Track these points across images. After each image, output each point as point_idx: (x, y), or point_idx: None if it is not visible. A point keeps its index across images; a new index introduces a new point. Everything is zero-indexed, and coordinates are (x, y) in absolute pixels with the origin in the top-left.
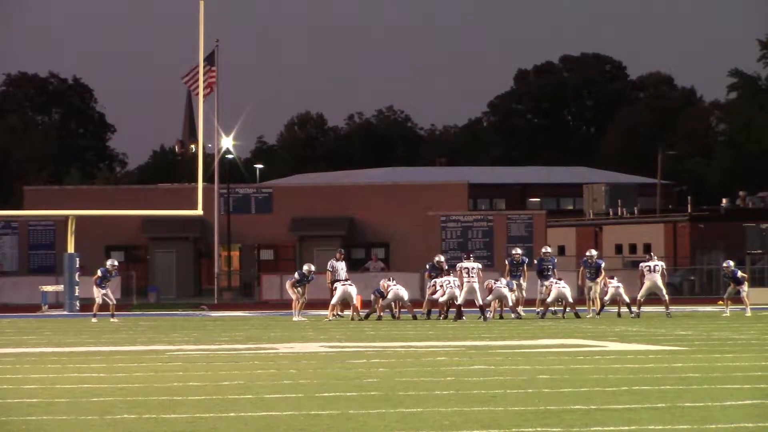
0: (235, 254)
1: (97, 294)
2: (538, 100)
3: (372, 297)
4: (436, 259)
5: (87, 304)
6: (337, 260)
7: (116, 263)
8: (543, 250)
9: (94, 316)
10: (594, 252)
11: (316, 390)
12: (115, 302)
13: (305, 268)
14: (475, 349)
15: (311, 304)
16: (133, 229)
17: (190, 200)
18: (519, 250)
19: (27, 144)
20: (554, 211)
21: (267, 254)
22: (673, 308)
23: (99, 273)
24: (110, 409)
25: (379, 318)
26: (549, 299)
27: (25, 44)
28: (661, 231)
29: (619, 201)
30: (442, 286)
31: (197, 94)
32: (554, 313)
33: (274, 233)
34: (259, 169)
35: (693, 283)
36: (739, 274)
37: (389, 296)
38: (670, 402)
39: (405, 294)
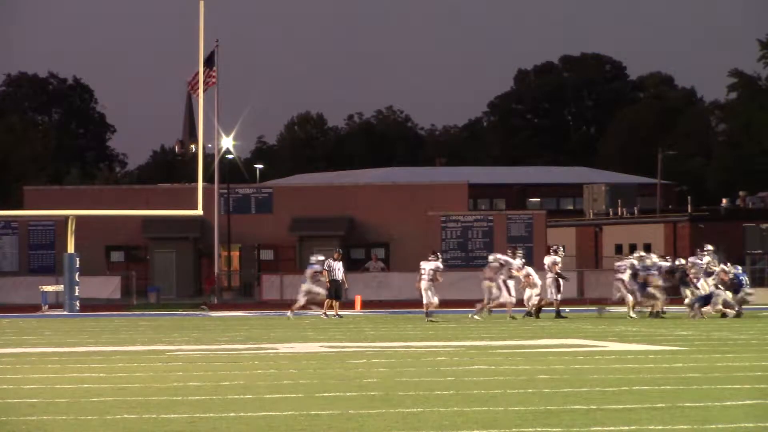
0: (235, 254)
1: (311, 289)
2: (538, 100)
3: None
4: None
5: (86, 304)
6: (335, 260)
7: (321, 257)
8: (678, 262)
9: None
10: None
11: (316, 390)
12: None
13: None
14: (475, 349)
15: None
16: (134, 229)
17: (190, 200)
18: (710, 247)
19: (27, 144)
20: (554, 211)
21: (267, 254)
22: (673, 308)
23: (317, 268)
24: (110, 409)
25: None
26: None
27: (25, 44)
28: (661, 231)
29: (619, 201)
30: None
31: (197, 95)
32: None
33: (274, 233)
34: (259, 169)
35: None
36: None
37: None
38: (670, 402)
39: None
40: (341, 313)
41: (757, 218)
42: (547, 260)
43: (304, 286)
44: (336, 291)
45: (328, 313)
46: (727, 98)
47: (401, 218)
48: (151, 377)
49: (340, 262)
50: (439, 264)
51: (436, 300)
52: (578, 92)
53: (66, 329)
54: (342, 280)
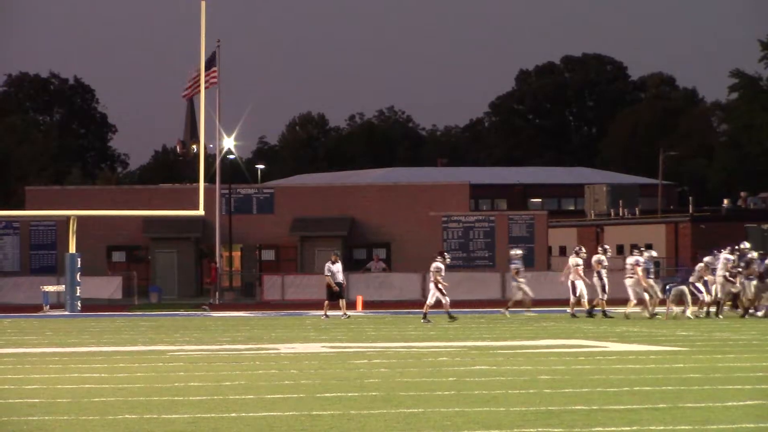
0: (237, 254)
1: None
2: (539, 100)
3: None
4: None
5: (88, 305)
6: (333, 263)
7: (520, 251)
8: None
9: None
10: (654, 253)
11: (317, 390)
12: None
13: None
14: (476, 349)
15: (304, 305)
16: (135, 230)
17: (192, 200)
18: (747, 244)
19: (28, 144)
20: (555, 211)
21: (268, 254)
22: (675, 309)
23: (519, 265)
24: (111, 410)
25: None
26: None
27: (26, 44)
28: (662, 231)
29: (620, 201)
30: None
31: (191, 98)
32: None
33: (276, 233)
34: (261, 169)
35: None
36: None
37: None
38: (671, 403)
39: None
40: (348, 312)
41: (758, 219)
42: (593, 259)
43: (515, 284)
44: (340, 291)
45: (329, 314)
46: (729, 99)
47: (403, 218)
48: (152, 377)
49: (339, 264)
50: (439, 264)
51: (430, 300)
52: (579, 93)
53: (67, 329)
54: (342, 280)
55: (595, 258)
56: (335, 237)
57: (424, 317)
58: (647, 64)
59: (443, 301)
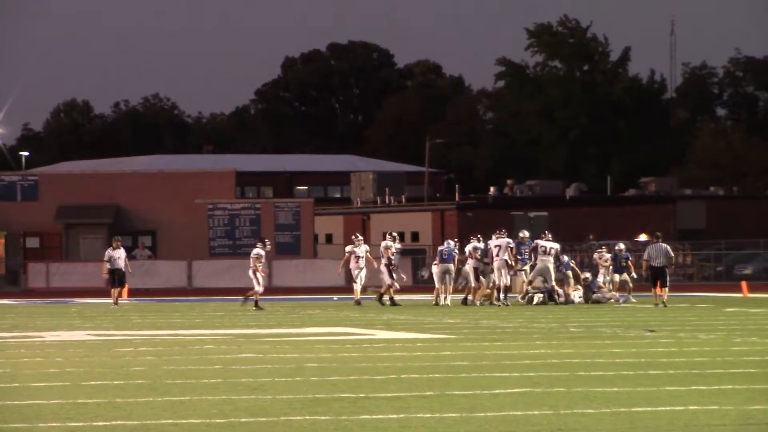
0: (0, 242)
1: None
2: (305, 88)
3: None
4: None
5: None
6: (114, 249)
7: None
8: (616, 247)
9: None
10: (623, 245)
11: (82, 378)
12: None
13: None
14: (243, 337)
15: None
16: None
17: None
18: (527, 233)
19: None
20: (322, 199)
21: (33, 242)
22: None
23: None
24: None
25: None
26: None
27: None
28: (428, 219)
29: (386, 189)
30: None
31: None
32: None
33: (40, 221)
34: (25, 156)
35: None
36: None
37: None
38: (439, 390)
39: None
40: (120, 301)
41: (524, 206)
42: (382, 245)
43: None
44: (119, 279)
45: (119, 301)
46: (495, 87)
47: (168, 206)
48: None
49: (121, 250)
50: (260, 251)
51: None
52: (345, 80)
53: None
54: (125, 266)
55: (383, 244)
56: (100, 224)
57: (256, 305)
58: (413, 52)
59: (256, 289)
